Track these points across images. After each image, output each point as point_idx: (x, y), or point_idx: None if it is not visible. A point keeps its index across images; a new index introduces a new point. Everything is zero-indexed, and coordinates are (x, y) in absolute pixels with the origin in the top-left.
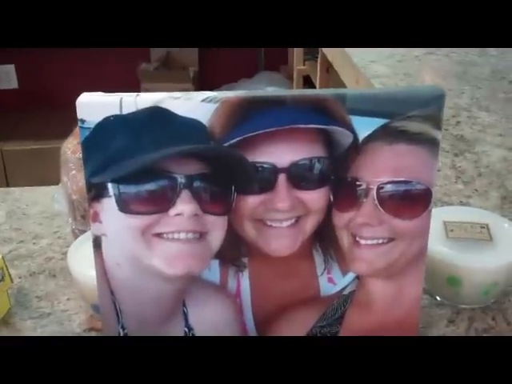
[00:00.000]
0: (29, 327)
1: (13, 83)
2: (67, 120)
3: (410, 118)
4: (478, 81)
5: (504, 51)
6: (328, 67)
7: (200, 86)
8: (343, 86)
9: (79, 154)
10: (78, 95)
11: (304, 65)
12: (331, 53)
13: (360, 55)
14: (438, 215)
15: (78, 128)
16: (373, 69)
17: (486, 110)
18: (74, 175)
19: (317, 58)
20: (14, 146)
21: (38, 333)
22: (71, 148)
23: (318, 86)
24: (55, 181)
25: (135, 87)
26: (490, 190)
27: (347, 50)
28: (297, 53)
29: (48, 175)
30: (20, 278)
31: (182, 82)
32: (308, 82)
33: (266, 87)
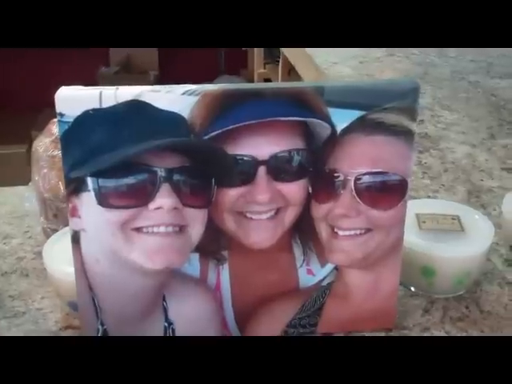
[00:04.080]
0: (3, 327)
1: None
2: (24, 124)
3: (387, 110)
4: (438, 81)
5: (462, 52)
6: (290, 69)
7: None
8: None
9: (51, 152)
10: (37, 98)
11: (264, 68)
12: (293, 55)
13: (323, 56)
14: (410, 208)
15: (49, 125)
16: (336, 70)
17: (448, 109)
18: (45, 174)
19: (277, 61)
20: None
21: (13, 332)
22: (43, 146)
23: None
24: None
25: None
26: (457, 184)
27: (309, 51)
28: (257, 56)
29: (5, 181)
30: None
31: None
32: None
33: None
